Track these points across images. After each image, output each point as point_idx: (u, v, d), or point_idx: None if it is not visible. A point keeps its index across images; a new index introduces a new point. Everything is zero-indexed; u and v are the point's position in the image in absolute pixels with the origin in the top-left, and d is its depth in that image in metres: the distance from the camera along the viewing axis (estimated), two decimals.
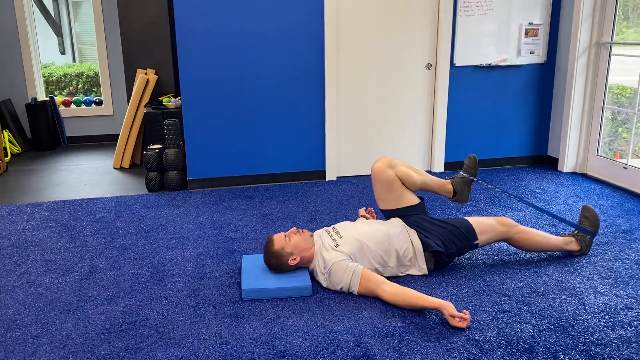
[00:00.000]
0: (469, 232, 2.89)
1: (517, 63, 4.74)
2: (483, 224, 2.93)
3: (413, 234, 2.88)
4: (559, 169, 4.88)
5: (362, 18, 4.43)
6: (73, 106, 6.39)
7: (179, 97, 5.16)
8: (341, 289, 2.68)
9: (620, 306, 2.54)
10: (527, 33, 4.70)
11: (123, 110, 6.30)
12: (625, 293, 2.66)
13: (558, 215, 3.22)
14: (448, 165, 4.87)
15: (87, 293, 2.74)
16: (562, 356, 2.16)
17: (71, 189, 4.55)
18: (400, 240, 2.84)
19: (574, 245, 3.07)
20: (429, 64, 4.63)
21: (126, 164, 5.18)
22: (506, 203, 4.00)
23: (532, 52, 4.74)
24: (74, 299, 2.68)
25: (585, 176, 4.68)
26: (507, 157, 5.00)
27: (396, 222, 2.94)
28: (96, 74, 7.59)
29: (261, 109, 4.41)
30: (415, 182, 2.98)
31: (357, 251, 2.74)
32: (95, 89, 7.66)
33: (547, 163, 5.05)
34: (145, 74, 5.20)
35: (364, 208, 3.81)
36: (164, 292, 2.73)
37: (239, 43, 4.24)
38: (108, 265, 3.05)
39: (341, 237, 2.81)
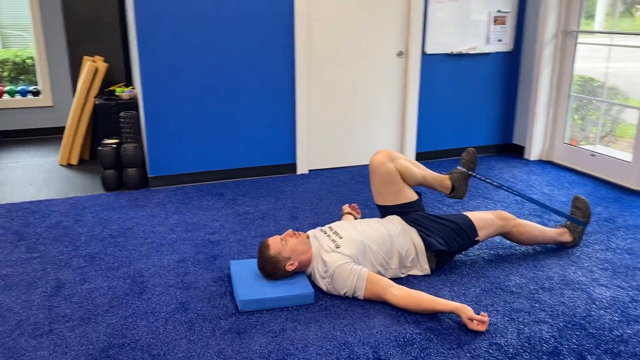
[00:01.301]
0: (470, 229, 2.78)
1: (486, 51, 4.70)
2: (482, 219, 2.83)
3: (414, 233, 2.74)
4: (525, 157, 4.90)
5: (333, 6, 4.23)
6: (6, 97, 5.79)
7: (131, 87, 4.76)
8: (345, 294, 2.50)
9: (627, 299, 2.52)
10: (495, 21, 4.66)
11: (65, 101, 5.78)
12: (627, 284, 2.65)
13: (551, 206, 3.18)
14: (420, 155, 4.79)
15: (58, 312, 2.41)
16: (588, 356, 2.09)
17: (15, 190, 4.09)
18: (402, 240, 2.69)
19: (566, 237, 3.05)
20: (400, 51, 4.50)
21: (74, 161, 4.73)
22: (485, 194, 3.95)
23: (500, 40, 4.71)
24: (45, 321, 2.34)
25: (551, 164, 4.73)
26: (475, 146, 4.97)
27: (395, 221, 2.78)
28: (24, 61, 6.94)
29: (228, 99, 4.12)
30: (415, 177, 2.83)
31: (359, 253, 2.57)
32: (23, 77, 7.00)
33: (512, 151, 5.07)
34: (93, 61, 4.76)
35: (348, 204, 3.64)
36: (148, 307, 2.45)
37: (205, 30, 3.92)
38: (77, 278, 2.71)
39: (341, 237, 2.62)
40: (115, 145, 4.06)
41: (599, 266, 2.84)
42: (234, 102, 4.14)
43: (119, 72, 4.99)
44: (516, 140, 5.04)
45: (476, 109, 4.87)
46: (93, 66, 4.57)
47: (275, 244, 2.53)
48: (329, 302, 2.48)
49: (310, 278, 2.63)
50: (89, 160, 4.93)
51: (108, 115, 4.35)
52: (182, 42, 3.90)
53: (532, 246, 3.07)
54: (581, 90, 4.62)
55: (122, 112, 4.00)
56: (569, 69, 4.55)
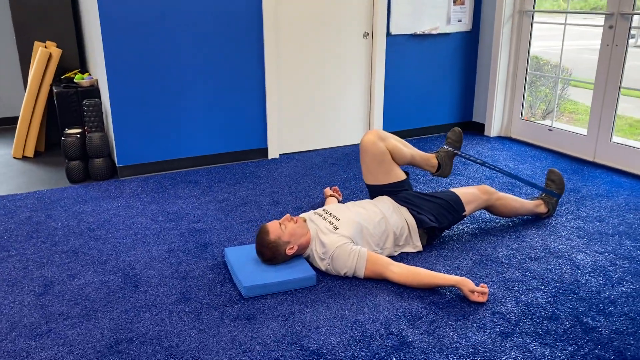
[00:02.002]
0: (458, 204, 2.87)
1: (447, 31, 4.81)
2: (468, 194, 2.93)
3: (405, 212, 2.80)
4: (485, 133, 5.08)
5: None
6: None
7: (87, 73, 4.54)
8: (345, 274, 2.53)
9: (607, 263, 2.69)
10: (455, 1, 4.76)
11: (12, 89, 5.44)
12: (603, 250, 2.82)
13: (529, 180, 3.32)
14: None
15: (53, 311, 2.31)
16: (584, 319, 2.23)
17: None
18: (395, 219, 2.74)
19: (542, 208, 3.20)
20: (366, 32, 4.53)
21: (30, 153, 4.48)
22: (456, 170, 4.07)
23: (459, 20, 4.83)
24: (41, 320, 2.24)
25: (510, 139, 4.92)
26: (437, 125, 5.10)
27: (387, 201, 2.83)
28: None
29: (197, 84, 4.02)
30: (405, 156, 2.88)
31: (357, 234, 2.60)
32: None
33: (472, 129, 5.24)
34: (45, 47, 4.50)
35: (329, 187, 3.67)
36: (148, 300, 2.38)
37: (172, 13, 3.79)
38: (64, 275, 2.60)
39: (338, 219, 2.64)
40: (79, 135, 3.88)
41: (575, 234, 3.01)
42: (203, 88, 4.04)
43: (73, 58, 4.75)
44: (476, 118, 5.20)
45: (438, 88, 4.98)
46: (46, 52, 4.33)
47: (275, 228, 2.52)
48: (331, 283, 2.51)
49: (308, 260, 2.64)
50: (44, 151, 4.68)
51: (68, 104, 4.14)
52: (148, 25, 3.75)
53: (510, 218, 3.21)
54: (530, 68, 4.82)
55: (85, 100, 3.81)
56: (525, 47, 4.73)
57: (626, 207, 3.37)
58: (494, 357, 2.00)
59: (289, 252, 2.53)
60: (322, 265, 2.57)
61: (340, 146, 4.72)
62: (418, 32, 4.67)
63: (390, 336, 2.12)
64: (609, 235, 2.99)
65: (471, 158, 3.15)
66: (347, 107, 4.65)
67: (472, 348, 2.05)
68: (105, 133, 3.91)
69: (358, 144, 4.77)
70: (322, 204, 3.42)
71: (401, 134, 4.93)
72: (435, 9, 4.69)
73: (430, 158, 3.01)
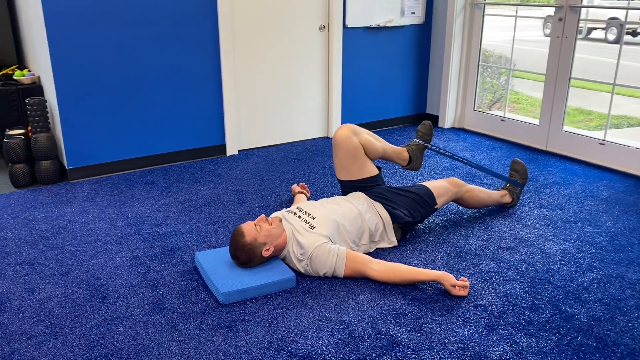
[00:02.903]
0: (430, 198, 2.87)
1: (401, 24, 4.82)
2: (439, 187, 2.94)
3: (379, 207, 2.77)
4: (439, 125, 5.14)
5: None
6: None
7: (26, 69, 4.23)
8: (325, 274, 2.47)
9: (574, 251, 2.76)
10: None
11: None
12: (569, 237, 2.90)
13: (494, 171, 3.38)
14: None
15: (13, 330, 2.12)
16: (563, 307, 2.28)
17: None
18: (370, 215, 2.71)
19: (507, 198, 3.26)
20: (322, 25, 4.46)
21: None
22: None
23: (413, 13, 4.84)
24: (1, 342, 2.05)
25: (464, 130, 5.01)
26: (393, 118, 5.12)
27: (361, 197, 2.79)
28: None
29: (150, 81, 3.83)
30: (377, 151, 2.85)
31: (334, 232, 2.55)
32: None
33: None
34: None
35: (296, 184, 3.60)
36: (119, 312, 2.24)
37: (123, 7, 3.58)
38: (21, 289, 2.40)
39: (314, 218, 2.58)
40: (22, 137, 3.61)
41: (540, 223, 3.08)
42: (157, 83, 3.85)
43: (8, 53, 4.42)
44: (429, 110, 5.26)
45: (394, 81, 4.99)
46: None
47: (250, 230, 2.42)
48: (311, 284, 2.44)
49: (285, 261, 2.57)
50: None
51: (8, 103, 3.84)
52: (96, 19, 3.53)
53: (477, 209, 3.25)
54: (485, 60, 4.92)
55: (28, 99, 3.55)
56: (477, 39, 4.81)
57: (583, 194, 3.49)
58: (483, 350, 2.00)
59: (265, 254, 2.45)
60: (300, 267, 2.50)
61: (300, 141, 4.65)
62: (373, 25, 4.65)
63: (379, 336, 2.09)
64: (571, 223, 3.08)
65: (441, 151, 3.16)
66: (306, 101, 4.57)
67: (461, 343, 2.05)
68: (51, 133, 3.66)
69: (318, 138, 4.71)
70: (290, 201, 3.35)
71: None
72: (390, 2, 4.68)
73: (401, 151, 2.99)
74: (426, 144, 3.06)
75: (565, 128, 4.30)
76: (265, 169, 3.96)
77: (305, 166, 4.01)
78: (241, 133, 4.33)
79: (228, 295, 2.28)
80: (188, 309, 2.26)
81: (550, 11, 10.82)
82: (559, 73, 4.21)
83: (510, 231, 2.98)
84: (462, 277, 2.39)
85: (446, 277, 2.36)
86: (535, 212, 3.23)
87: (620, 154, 3.93)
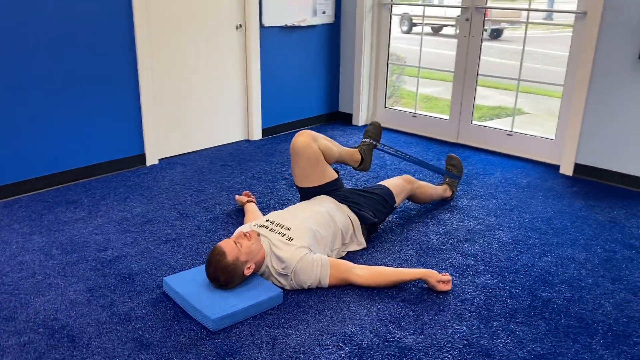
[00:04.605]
0: (390, 197, 2.90)
1: (313, 23, 4.80)
2: (396, 185, 2.98)
3: (346, 209, 2.74)
4: (353, 123, 5.23)
5: None
6: None
7: None
8: (309, 286, 2.39)
9: (523, 238, 2.96)
10: None
11: None
12: (513, 224, 3.11)
13: (435, 166, 3.50)
14: (265, 131, 4.70)
15: None
16: (537, 292, 2.43)
17: None
18: (340, 218, 2.67)
19: (448, 192, 3.40)
20: (239, 24, 4.29)
21: None
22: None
23: (324, 12, 4.86)
24: None
25: None
26: (309, 118, 5.10)
27: (328, 200, 2.74)
28: None
29: (57, 92, 3.40)
30: (334, 155, 2.81)
31: (312, 241, 2.47)
32: None
33: (340, 119, 5.35)
34: None
35: (237, 194, 3.45)
36: (99, 356, 1.96)
37: (21, 12, 3.13)
38: None
39: (289, 229, 2.47)
40: None
41: (483, 213, 3.26)
42: (65, 95, 3.43)
43: None
44: (342, 108, 5.32)
45: (308, 80, 4.97)
46: None
47: (232, 249, 2.26)
48: (297, 298, 2.35)
49: (263, 277, 2.44)
50: None
51: None
52: None
53: (422, 205, 3.35)
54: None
55: None
56: (385, 38, 4.96)
57: (505, 182, 3.76)
58: (487, 344, 2.07)
59: (247, 272, 2.30)
60: (281, 281, 2.39)
61: (222, 145, 4.44)
62: (288, 24, 4.58)
63: (387, 344, 2.07)
64: (508, 211, 3.30)
65: (389, 150, 3.21)
66: (225, 103, 4.38)
67: (465, 340, 2.10)
68: None
69: (239, 142, 4.54)
70: (237, 211, 3.19)
71: (279, 129, 4.83)
72: (303, 1, 4.64)
73: (353, 153, 2.98)
74: (376, 143, 3.09)
75: (474, 122, 4.60)
76: (195, 178, 3.73)
77: (237, 172, 3.85)
78: (160, 141, 4.03)
79: (219, 322, 2.11)
80: (176, 341, 2.06)
81: (414, 11, 11.54)
82: (467, 70, 4.48)
83: (461, 223, 3.12)
84: (444, 273, 2.45)
85: (431, 274, 2.40)
86: (474, 202, 3.41)
87: (526, 143, 4.30)
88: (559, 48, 10.48)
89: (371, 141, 3.06)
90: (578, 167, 3.92)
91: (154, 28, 3.80)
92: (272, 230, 2.49)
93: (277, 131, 4.82)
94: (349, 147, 3.02)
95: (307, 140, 2.69)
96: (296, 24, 4.64)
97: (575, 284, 2.50)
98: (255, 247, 2.34)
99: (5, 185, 3.30)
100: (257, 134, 4.61)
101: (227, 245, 2.27)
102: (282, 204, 3.30)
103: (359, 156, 3.00)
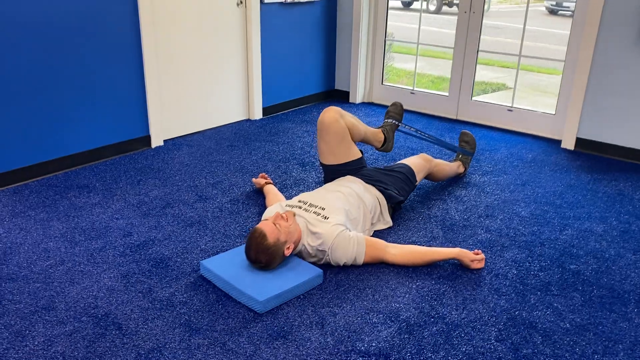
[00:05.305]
0: (412, 175, 2.93)
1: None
2: (416, 164, 3.00)
3: (373, 189, 2.75)
4: (350, 100, 5.21)
5: None
6: None
7: None
8: (344, 264, 2.40)
9: (540, 212, 3.03)
10: None
11: None
12: (528, 199, 3.18)
13: (450, 144, 3.54)
14: (266, 110, 4.65)
15: None
16: (566, 265, 2.50)
17: None
18: (368, 198, 2.68)
19: (461, 168, 3.45)
20: (240, 1, 4.19)
21: None
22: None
23: None
24: None
25: (374, 104, 5.14)
26: (307, 96, 5.05)
27: (355, 180, 2.74)
28: None
29: (61, 72, 3.28)
30: (360, 133, 2.81)
31: (346, 220, 2.48)
32: None
33: (336, 97, 5.33)
34: None
35: (254, 177, 3.42)
36: (151, 342, 1.94)
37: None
38: (10, 334, 1.95)
39: (323, 209, 2.47)
40: None
41: (497, 189, 3.32)
42: (70, 78, 3.31)
43: None
44: (339, 86, 5.29)
45: (307, 58, 4.91)
46: None
47: (272, 230, 2.25)
48: (335, 277, 2.36)
49: (299, 257, 2.44)
50: None
51: None
52: None
53: (438, 183, 3.39)
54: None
55: None
56: (383, 15, 4.93)
57: (512, 158, 3.83)
58: (529, 316, 2.13)
59: (287, 252, 2.30)
60: (317, 258, 2.40)
61: (224, 125, 4.38)
62: (288, 0, 4.51)
63: (432, 320, 2.10)
64: (521, 186, 3.37)
65: (412, 128, 3.22)
66: (227, 83, 4.30)
67: (507, 313, 2.16)
68: None
69: (241, 121, 4.47)
70: (254, 193, 3.16)
71: (280, 107, 4.78)
72: None
73: (377, 133, 2.98)
74: (398, 124, 3.09)
75: (474, 98, 4.65)
76: (204, 159, 3.67)
77: (246, 153, 3.80)
78: (164, 122, 3.95)
79: (266, 303, 2.11)
80: (226, 324, 2.05)
81: None
82: (467, 46, 4.50)
83: (478, 199, 3.17)
84: (476, 250, 2.49)
85: (464, 254, 2.44)
86: (486, 178, 3.47)
87: (527, 118, 4.38)
88: (530, 22, 10.61)
89: (393, 121, 3.06)
90: (579, 141, 4.02)
91: (156, 6, 3.68)
92: (305, 210, 2.48)
93: (277, 110, 4.77)
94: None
95: (335, 115, 2.68)
96: (296, 0, 4.57)
97: (599, 256, 2.59)
98: (293, 227, 2.34)
99: (12, 171, 3.19)
100: (258, 113, 4.56)
101: (267, 227, 2.26)
102: (299, 184, 3.29)
103: (382, 136, 3.00)
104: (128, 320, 2.06)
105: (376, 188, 2.76)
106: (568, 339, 2.02)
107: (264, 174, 3.23)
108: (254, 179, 3.21)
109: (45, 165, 3.33)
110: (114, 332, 2.00)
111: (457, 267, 2.47)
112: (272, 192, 3.00)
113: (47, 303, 2.15)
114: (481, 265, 2.45)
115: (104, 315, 2.08)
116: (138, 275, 2.35)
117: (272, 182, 3.17)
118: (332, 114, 2.68)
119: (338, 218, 2.43)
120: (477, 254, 2.46)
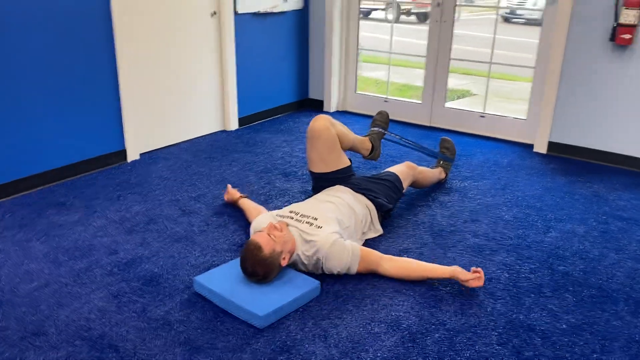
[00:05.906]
0: (399, 183, 2.94)
1: (284, 9, 4.72)
2: (402, 172, 3.02)
3: (362, 198, 2.75)
4: (325, 109, 5.22)
5: None
6: None
7: None
8: (338, 272, 2.39)
9: (523, 215, 3.10)
10: None
11: None
12: (510, 203, 3.23)
13: (434, 150, 3.57)
14: (241, 120, 4.60)
15: None
16: (555, 267, 2.56)
17: None
18: (359, 207, 2.68)
19: (442, 174, 3.49)
20: (214, 11, 4.15)
21: None
22: None
23: None
24: None
25: (349, 113, 5.16)
26: (281, 106, 5.03)
27: (345, 190, 2.74)
28: None
29: (30, 85, 3.16)
30: (349, 141, 2.81)
31: (340, 229, 2.46)
32: None
33: (310, 106, 5.32)
34: None
35: (224, 190, 3.33)
36: None
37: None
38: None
39: (315, 219, 2.45)
40: None
41: (479, 193, 3.37)
42: (42, 92, 3.20)
43: None
44: (312, 95, 5.29)
45: (280, 68, 4.89)
46: None
47: (267, 241, 2.22)
48: (333, 288, 2.34)
49: (293, 267, 2.41)
50: None
51: None
52: None
53: (422, 189, 3.41)
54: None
55: None
56: (355, 23, 4.96)
57: (489, 163, 3.91)
58: (526, 320, 2.17)
59: (283, 263, 2.27)
60: (311, 267, 2.38)
61: (200, 136, 4.31)
62: (261, 11, 4.49)
63: (434, 327, 2.11)
64: (500, 190, 3.44)
65: (397, 136, 3.25)
66: (202, 94, 4.24)
67: (505, 317, 2.18)
68: None
69: (216, 133, 4.41)
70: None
71: (255, 117, 4.74)
72: None
73: (365, 141, 2.99)
74: (384, 132, 3.11)
75: (447, 104, 4.72)
76: (183, 172, 3.60)
77: (225, 164, 3.75)
78: (139, 135, 3.85)
79: (266, 318, 2.08)
80: (227, 341, 2.00)
81: None
82: (439, 54, 4.58)
83: (462, 205, 3.21)
84: (474, 268, 2.34)
85: (458, 273, 2.31)
86: (467, 183, 3.52)
87: (499, 124, 4.48)
88: (486, 30, 10.87)
89: (380, 130, 3.08)
90: (552, 145, 4.14)
91: (130, 17, 3.60)
92: (298, 220, 2.46)
93: (252, 120, 4.73)
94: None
95: (325, 123, 2.68)
96: (269, 10, 4.55)
97: (585, 256, 2.66)
98: (287, 237, 2.31)
99: None
100: (233, 124, 4.51)
101: (261, 238, 2.23)
102: (283, 195, 3.26)
103: (369, 144, 3.02)
104: (125, 341, 1.99)
105: (366, 197, 2.76)
106: (566, 339, 2.06)
107: (229, 185, 3.16)
108: (225, 196, 3.14)
109: (18, 183, 3.20)
110: (111, 354, 1.92)
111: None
112: (251, 205, 2.95)
113: (36, 328, 2.05)
114: (480, 283, 2.30)
115: (99, 338, 2.01)
116: (129, 294, 2.28)
117: (246, 195, 3.10)
118: (323, 122, 2.68)
119: (332, 227, 2.42)
120: (476, 272, 2.32)
